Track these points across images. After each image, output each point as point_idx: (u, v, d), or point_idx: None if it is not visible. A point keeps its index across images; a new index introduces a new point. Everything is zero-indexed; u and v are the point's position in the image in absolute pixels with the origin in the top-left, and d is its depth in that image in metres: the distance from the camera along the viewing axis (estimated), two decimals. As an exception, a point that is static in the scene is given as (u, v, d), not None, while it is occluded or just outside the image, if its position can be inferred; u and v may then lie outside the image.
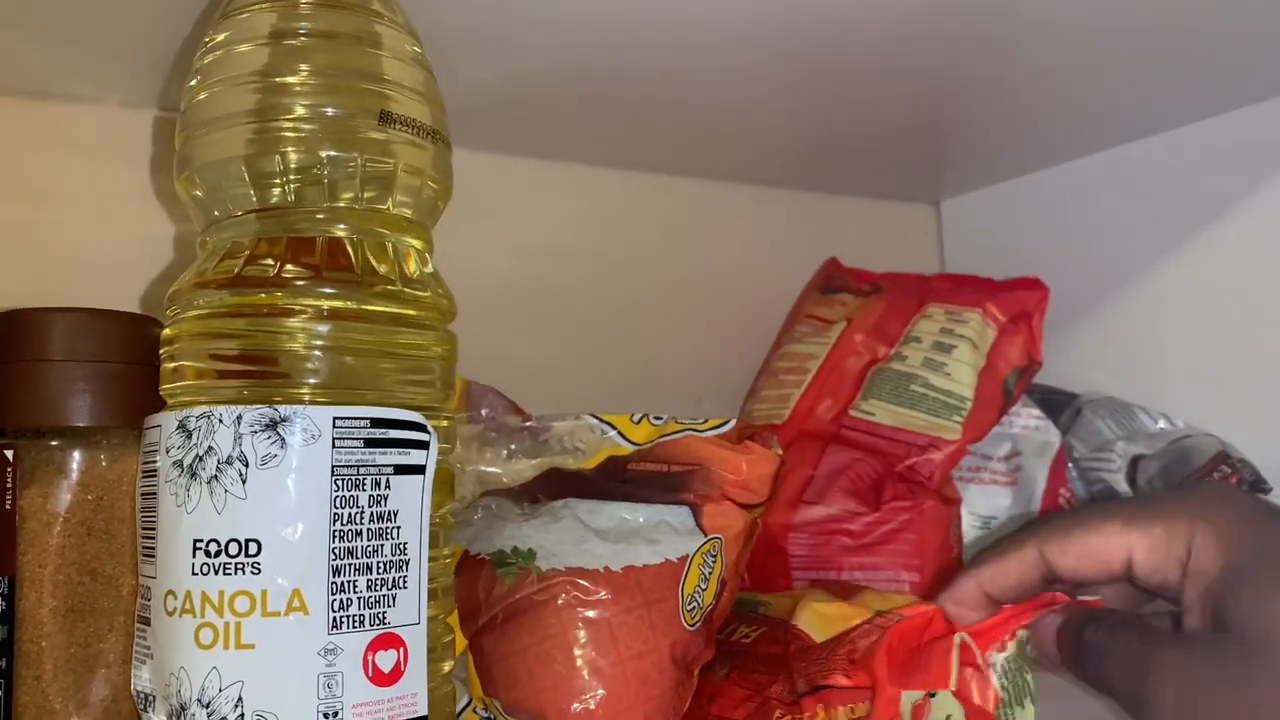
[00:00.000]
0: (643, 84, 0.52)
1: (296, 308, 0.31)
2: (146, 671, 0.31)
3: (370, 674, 0.30)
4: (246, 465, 0.30)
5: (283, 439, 0.30)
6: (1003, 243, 0.74)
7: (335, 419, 0.30)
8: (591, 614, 0.39)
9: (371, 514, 0.31)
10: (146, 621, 0.31)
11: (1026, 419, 0.65)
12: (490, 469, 0.48)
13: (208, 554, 0.30)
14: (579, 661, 0.38)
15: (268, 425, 0.30)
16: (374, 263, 0.32)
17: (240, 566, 0.30)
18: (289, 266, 0.31)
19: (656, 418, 0.48)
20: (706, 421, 0.47)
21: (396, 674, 0.31)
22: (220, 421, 0.30)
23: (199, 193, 0.33)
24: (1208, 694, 0.30)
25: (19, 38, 0.44)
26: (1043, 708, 0.37)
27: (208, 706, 0.29)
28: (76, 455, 0.33)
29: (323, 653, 0.30)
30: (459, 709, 0.40)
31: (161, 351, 0.33)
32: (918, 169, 0.71)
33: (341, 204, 0.32)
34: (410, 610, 0.32)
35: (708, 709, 0.41)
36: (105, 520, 0.33)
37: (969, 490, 0.62)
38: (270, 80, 0.32)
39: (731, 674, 0.42)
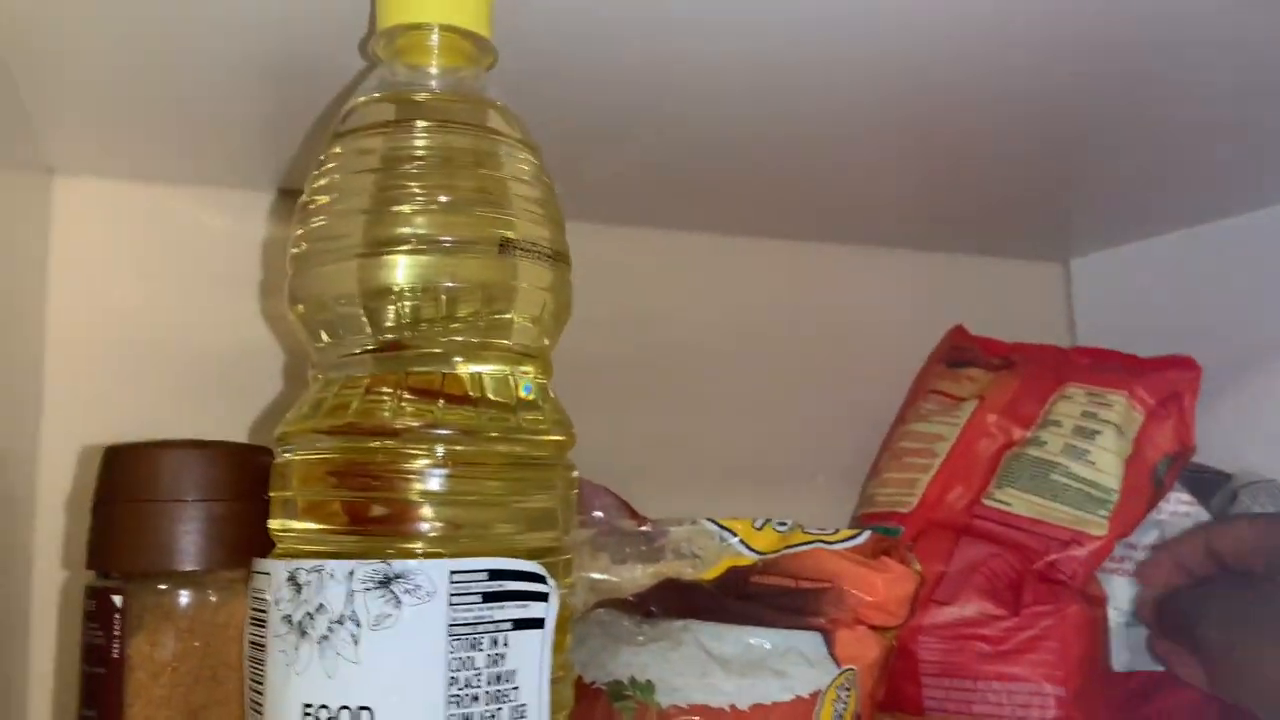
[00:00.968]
0: (766, 151, 0.49)
1: (409, 454, 0.29)
2: (255, 835, 0.29)
3: None
4: (359, 625, 0.28)
5: (397, 597, 0.28)
6: (1136, 305, 0.69)
7: (452, 573, 0.28)
8: (718, 759, 0.36)
9: (489, 675, 0.29)
10: (254, 783, 0.29)
11: (1175, 504, 0.59)
12: (603, 576, 0.46)
13: (318, 721, 0.28)
14: (705, 814, 0.36)
15: (381, 582, 0.28)
16: (492, 400, 0.30)
17: (352, 736, 0.28)
18: (404, 408, 0.29)
19: (780, 524, 0.45)
20: (838, 532, 0.43)
21: None
22: (331, 577, 0.28)
23: (310, 321, 0.32)
24: None
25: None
26: None
27: None
28: (184, 599, 0.31)
29: (438, 830, 0.27)
30: None
31: (271, 492, 0.31)
32: (1044, 226, 0.66)
33: (459, 338, 0.30)
34: (530, 778, 0.29)
35: None
36: (213, 667, 0.31)
37: (1111, 582, 0.58)
38: (385, 208, 0.31)
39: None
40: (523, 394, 0.31)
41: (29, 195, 0.46)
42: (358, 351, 0.31)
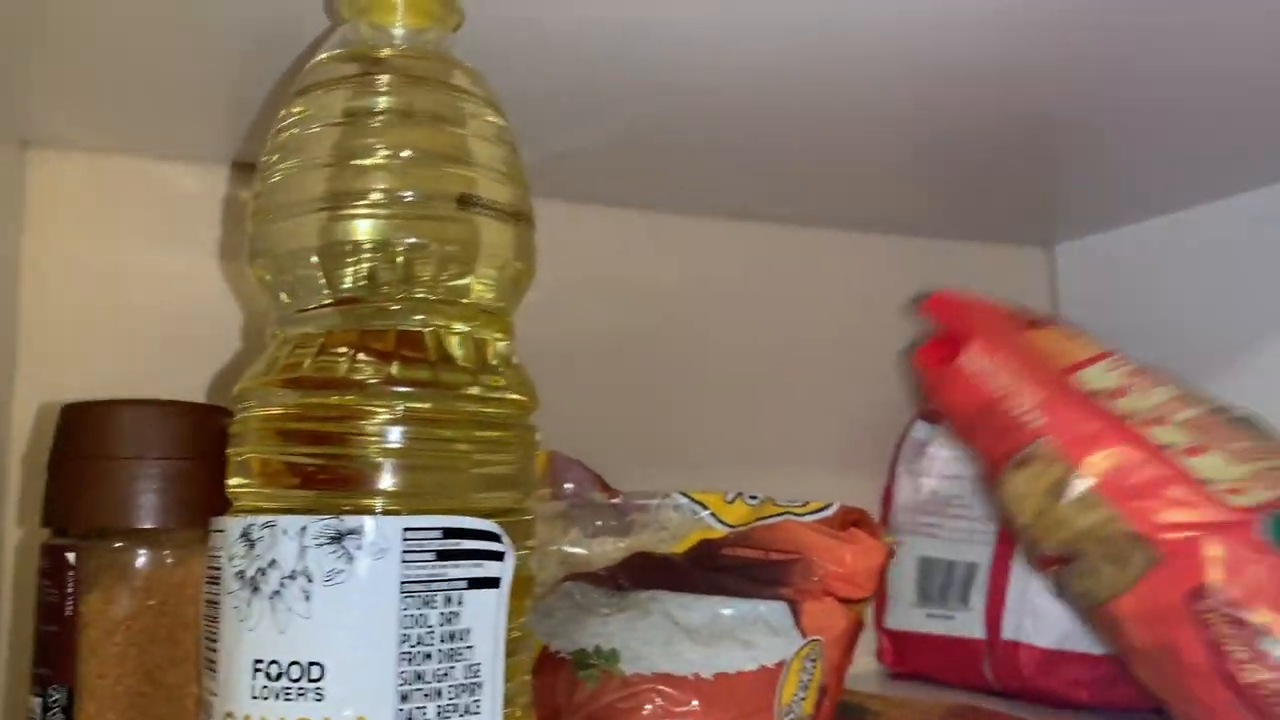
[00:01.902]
0: (751, 133, 0.49)
1: (368, 409, 0.29)
2: (206, 794, 0.29)
3: (440, 810, 0.28)
4: (310, 581, 0.28)
5: (349, 553, 0.28)
6: (1120, 290, 0.69)
7: (405, 530, 0.28)
8: (680, 727, 0.36)
9: (442, 633, 0.29)
10: (206, 741, 0.29)
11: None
12: (574, 549, 0.46)
13: (269, 677, 0.28)
14: (666, 781, 0.35)
15: (333, 538, 0.28)
16: (452, 359, 0.30)
17: (302, 692, 0.27)
18: (360, 365, 0.29)
19: (751, 498, 0.45)
20: (807, 505, 0.43)
21: (468, 808, 0.28)
22: (284, 533, 0.28)
23: (270, 279, 0.32)
24: None
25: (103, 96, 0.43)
26: None
27: (266, 843, 0.27)
28: (140, 558, 0.31)
29: (389, 788, 0.27)
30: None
31: (228, 450, 0.31)
32: (1028, 210, 0.66)
33: (418, 294, 0.30)
34: (484, 738, 0.29)
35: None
36: (169, 627, 0.31)
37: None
38: (345, 163, 0.31)
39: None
40: (481, 354, 0.31)
41: (4, 169, 0.46)
42: (314, 308, 0.30)
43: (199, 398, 0.49)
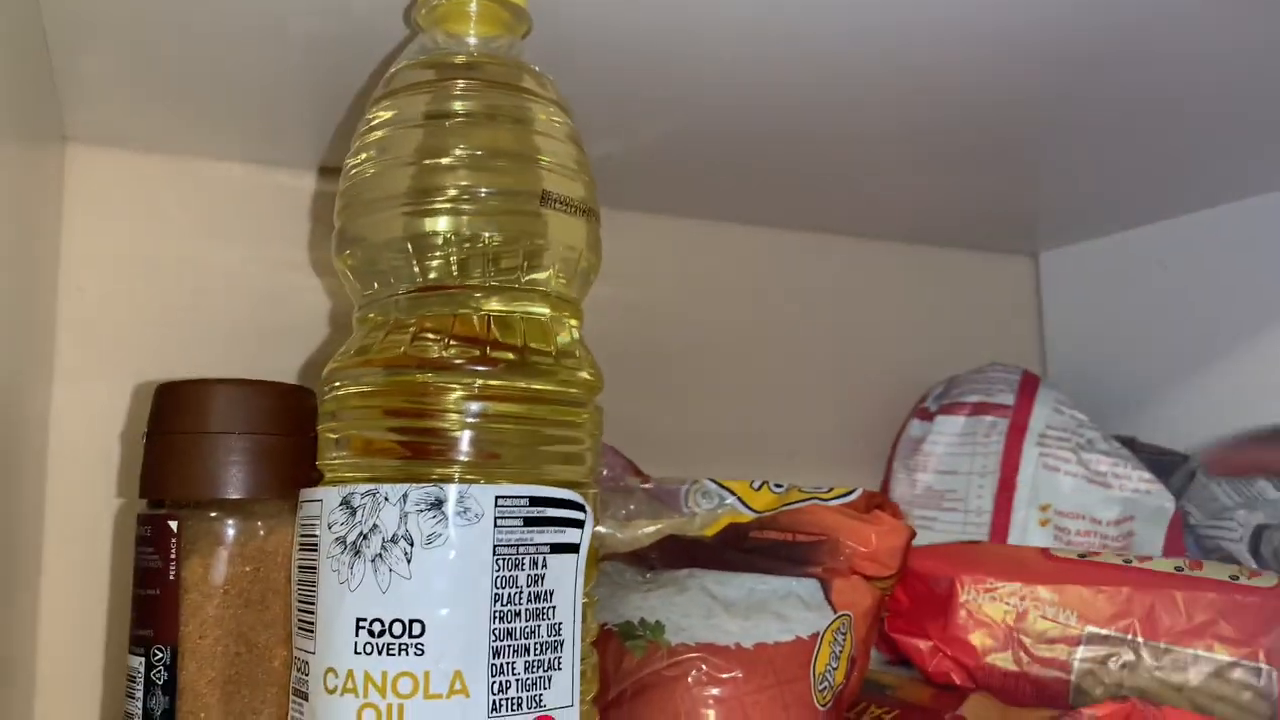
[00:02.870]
0: (759, 144, 0.52)
1: (458, 387, 0.31)
2: (302, 746, 0.31)
3: (526, 758, 0.30)
4: (411, 544, 0.30)
5: (447, 518, 0.30)
6: (1104, 298, 0.73)
7: (498, 498, 0.31)
8: (723, 693, 0.38)
9: (530, 594, 0.31)
10: (304, 696, 0.31)
11: (1137, 482, 0.63)
12: (607, 531, 0.48)
13: (371, 633, 0.30)
14: (714, 742, 0.38)
15: (433, 504, 0.30)
16: (532, 341, 0.32)
17: (404, 647, 0.30)
18: (450, 346, 0.31)
19: (777, 485, 0.48)
20: (832, 490, 0.46)
21: (550, 758, 0.31)
22: (386, 499, 0.30)
23: (359, 269, 0.34)
24: None
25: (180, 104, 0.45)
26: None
27: (368, 787, 0.29)
28: (234, 527, 0.33)
29: (482, 736, 0.30)
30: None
31: (321, 426, 0.33)
32: (1014, 219, 0.69)
33: (500, 282, 0.33)
34: (565, 692, 0.31)
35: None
36: (261, 592, 0.33)
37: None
38: (430, 160, 0.33)
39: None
40: (558, 337, 0.33)
41: (44, 164, 0.48)
42: (404, 294, 0.33)
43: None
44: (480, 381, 0.31)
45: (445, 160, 0.33)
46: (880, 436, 0.71)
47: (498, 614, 0.30)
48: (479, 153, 0.33)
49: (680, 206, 0.64)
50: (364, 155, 0.34)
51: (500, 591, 0.30)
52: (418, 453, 0.31)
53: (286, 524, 0.34)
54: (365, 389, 0.32)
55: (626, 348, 0.63)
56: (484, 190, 0.33)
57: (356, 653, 0.30)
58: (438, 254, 0.33)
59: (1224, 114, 0.49)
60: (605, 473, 0.49)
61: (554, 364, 0.33)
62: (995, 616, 0.46)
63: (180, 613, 0.32)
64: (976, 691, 0.44)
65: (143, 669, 0.32)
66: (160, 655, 0.32)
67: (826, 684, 0.40)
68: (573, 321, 0.35)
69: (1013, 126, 0.51)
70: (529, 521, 0.31)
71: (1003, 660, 0.45)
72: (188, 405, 0.34)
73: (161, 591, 0.32)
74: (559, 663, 0.31)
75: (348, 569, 0.30)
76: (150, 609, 0.32)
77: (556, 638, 0.31)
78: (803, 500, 0.46)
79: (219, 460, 0.33)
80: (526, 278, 0.33)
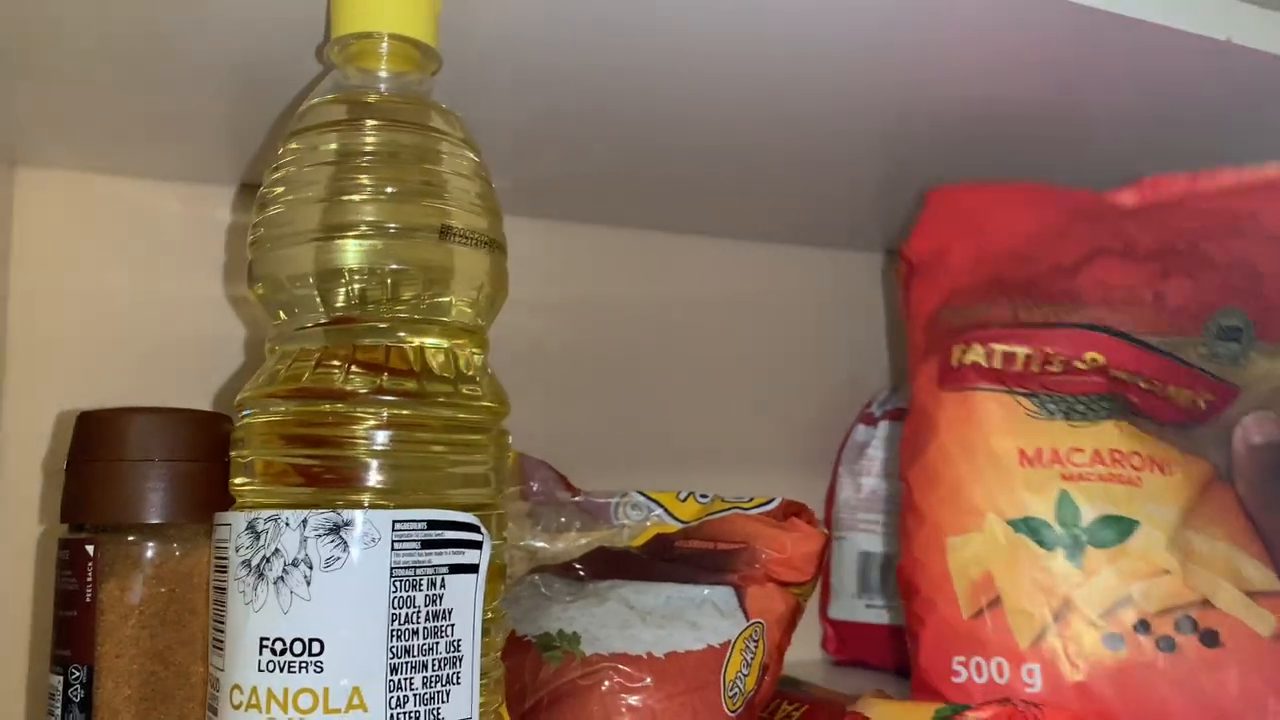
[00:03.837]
0: (705, 157, 0.54)
1: (358, 416, 0.33)
2: (214, 759, 0.33)
3: (424, 768, 0.32)
4: (311, 568, 0.31)
5: (345, 543, 0.32)
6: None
7: (395, 522, 0.32)
8: (635, 700, 0.40)
9: (427, 613, 0.32)
10: (215, 712, 0.33)
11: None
12: (540, 544, 0.50)
13: (274, 652, 0.31)
14: (623, 749, 0.39)
15: (331, 529, 0.32)
16: (433, 371, 0.34)
17: (304, 665, 0.31)
18: (353, 377, 0.33)
19: (702, 496, 0.49)
20: (753, 500, 0.48)
21: (450, 767, 0.32)
22: (287, 525, 0.32)
23: (268, 300, 0.35)
24: None
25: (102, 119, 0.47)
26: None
27: (271, 798, 0.31)
28: (151, 550, 0.35)
29: (380, 748, 0.31)
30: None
31: (232, 452, 0.35)
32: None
33: (403, 314, 0.34)
34: (463, 705, 0.33)
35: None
36: (177, 611, 0.35)
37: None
38: (336, 197, 0.34)
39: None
40: (460, 366, 0.35)
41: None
42: (311, 326, 0.34)
43: (204, 407, 0.52)
44: (380, 411, 0.33)
45: (351, 197, 0.34)
46: (830, 442, 0.72)
47: (395, 632, 0.32)
48: (384, 189, 0.35)
49: (637, 219, 0.65)
50: (275, 190, 0.36)
51: (397, 611, 0.32)
52: (319, 480, 0.33)
53: (203, 546, 0.35)
54: (270, 417, 0.34)
55: (573, 359, 0.65)
56: (387, 225, 0.34)
57: (260, 670, 0.31)
58: (342, 287, 0.34)
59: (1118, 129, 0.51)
60: (536, 487, 0.51)
61: (453, 392, 0.34)
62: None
63: (97, 633, 0.33)
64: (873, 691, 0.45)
65: (61, 688, 0.34)
66: (77, 674, 0.33)
67: (737, 690, 0.42)
68: (475, 350, 0.36)
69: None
70: (427, 544, 0.33)
71: None
72: (106, 433, 0.35)
73: (79, 613, 0.34)
74: (457, 677, 0.33)
75: (252, 590, 0.32)
76: (69, 630, 0.34)
77: (455, 654, 0.33)
78: (725, 510, 0.47)
79: (135, 486, 0.34)
80: (428, 309, 0.35)
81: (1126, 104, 0.48)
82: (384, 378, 0.33)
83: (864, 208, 0.65)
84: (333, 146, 0.35)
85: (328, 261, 0.34)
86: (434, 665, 0.32)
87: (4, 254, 0.51)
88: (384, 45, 0.37)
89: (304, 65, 0.40)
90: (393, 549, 0.32)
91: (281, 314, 0.35)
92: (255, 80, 0.42)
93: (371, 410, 0.33)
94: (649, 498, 0.50)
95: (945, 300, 0.49)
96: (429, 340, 0.34)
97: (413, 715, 0.32)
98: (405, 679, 0.32)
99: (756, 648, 0.43)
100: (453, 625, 0.33)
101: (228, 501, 0.35)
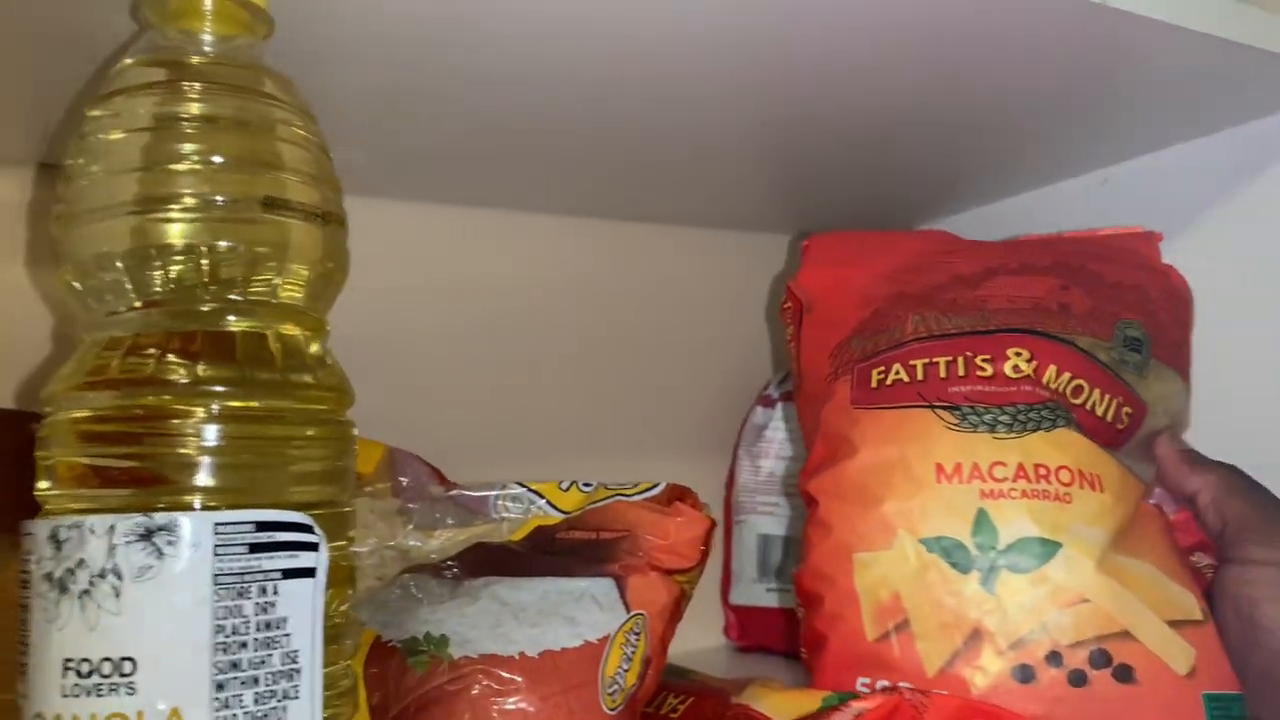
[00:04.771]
0: (585, 137, 0.51)
1: (175, 409, 0.29)
2: (21, 796, 0.29)
3: (259, 793, 0.29)
4: (120, 578, 0.28)
5: (159, 549, 0.28)
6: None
7: (216, 525, 0.29)
8: (507, 704, 0.38)
9: (259, 623, 0.29)
10: (20, 743, 0.29)
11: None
12: (413, 543, 0.47)
13: (79, 674, 0.28)
14: (493, 756, 0.37)
15: (143, 535, 0.28)
16: (259, 358, 0.31)
17: (115, 687, 0.28)
18: (167, 365, 0.30)
19: (585, 484, 0.47)
20: (637, 485, 0.45)
21: (288, 790, 0.29)
22: (92, 532, 0.28)
23: (77, 285, 0.32)
24: None
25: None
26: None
27: (81, 837, 0.28)
28: (-53, 565, 0.31)
29: (205, 775, 0.28)
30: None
31: (36, 454, 0.31)
32: (881, 199, 0.68)
33: (226, 295, 0.31)
34: (304, 719, 0.30)
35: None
36: (-17, 633, 0.31)
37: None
38: (152, 168, 0.31)
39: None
40: (290, 352, 0.32)
41: None
42: (123, 311, 0.31)
43: (7, 404, 0.48)
44: (197, 403, 0.30)
45: (168, 167, 0.31)
46: (730, 425, 0.71)
47: (221, 646, 0.29)
48: (206, 159, 0.31)
49: (512, 199, 0.62)
50: (81, 160, 0.32)
51: (223, 622, 0.29)
52: (129, 481, 0.29)
53: (12, 560, 0.32)
54: (75, 415, 0.30)
55: (467, 346, 0.62)
56: (208, 198, 0.31)
57: (64, 695, 0.28)
58: (157, 267, 0.31)
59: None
60: (405, 481, 0.48)
61: (281, 381, 0.31)
62: None
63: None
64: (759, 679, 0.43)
65: None
66: None
67: (617, 687, 0.40)
68: (310, 334, 0.33)
69: (873, 112, 0.50)
70: (256, 548, 0.30)
71: None
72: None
73: None
74: (295, 691, 0.30)
75: (54, 606, 0.29)
76: None
77: (292, 665, 0.30)
78: (608, 498, 0.45)
79: (-73, 495, 0.31)
80: (256, 289, 0.31)
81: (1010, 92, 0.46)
82: (202, 366, 0.30)
83: (760, 192, 0.63)
84: (148, 112, 0.32)
85: (141, 238, 0.31)
86: (268, 679, 0.30)
87: None
88: (209, 4, 0.34)
89: (115, 25, 0.36)
90: (215, 554, 0.29)
91: (90, 300, 0.32)
92: (54, 42, 0.38)
93: (187, 402, 0.30)
94: (529, 489, 0.47)
95: (855, 330, 0.48)
96: (253, 324, 0.31)
97: (244, 735, 0.29)
98: (234, 696, 0.29)
99: (638, 641, 0.41)
100: (289, 635, 0.30)
101: (38, 509, 0.32)
